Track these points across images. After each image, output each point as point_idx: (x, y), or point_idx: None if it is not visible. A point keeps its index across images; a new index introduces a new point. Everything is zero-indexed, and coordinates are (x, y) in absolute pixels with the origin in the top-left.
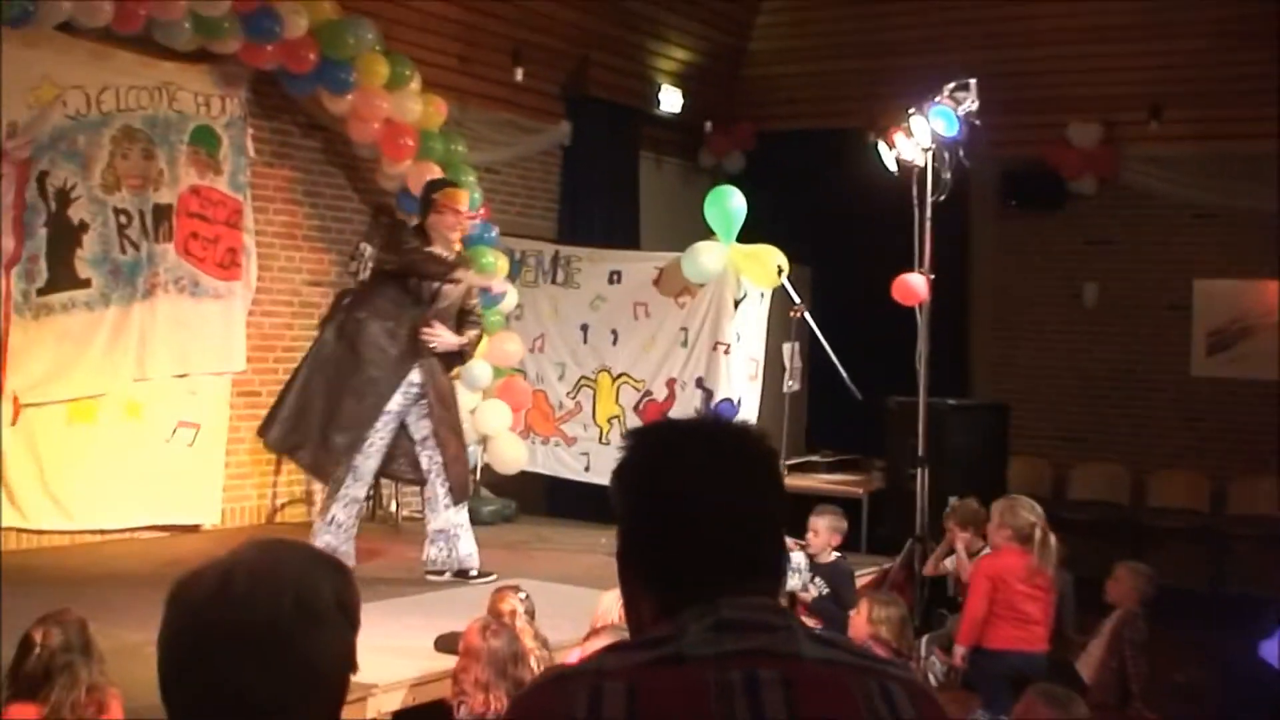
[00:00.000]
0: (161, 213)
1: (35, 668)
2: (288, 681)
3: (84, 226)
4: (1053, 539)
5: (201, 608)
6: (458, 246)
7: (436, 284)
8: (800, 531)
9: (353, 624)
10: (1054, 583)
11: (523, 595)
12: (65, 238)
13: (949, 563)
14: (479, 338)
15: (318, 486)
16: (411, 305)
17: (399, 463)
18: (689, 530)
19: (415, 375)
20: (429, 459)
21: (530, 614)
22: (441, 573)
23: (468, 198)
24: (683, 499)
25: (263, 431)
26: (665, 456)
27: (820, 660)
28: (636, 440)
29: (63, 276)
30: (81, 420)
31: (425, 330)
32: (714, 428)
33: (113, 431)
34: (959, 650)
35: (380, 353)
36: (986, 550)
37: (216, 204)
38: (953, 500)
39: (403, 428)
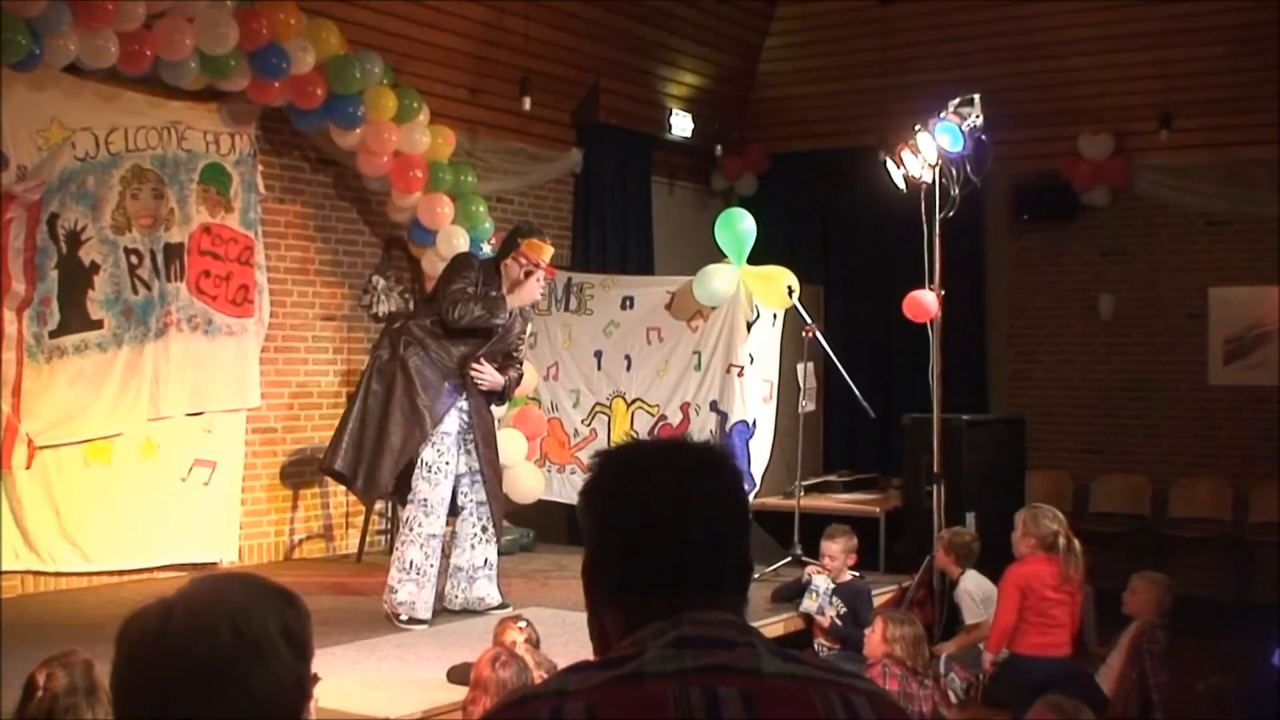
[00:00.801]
0: (173, 251)
1: (38, 711)
2: (231, 714)
3: (95, 267)
4: (1077, 544)
5: (143, 644)
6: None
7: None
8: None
9: (300, 654)
10: (1080, 586)
11: (522, 624)
12: (77, 279)
13: (956, 595)
14: (520, 379)
15: (336, 522)
16: (461, 337)
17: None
18: (652, 548)
19: (464, 404)
20: (464, 495)
21: (534, 643)
22: (450, 610)
23: (550, 253)
24: (646, 518)
25: (324, 462)
26: (630, 476)
27: (781, 675)
28: (603, 461)
29: (75, 318)
30: (97, 461)
31: (474, 367)
32: (679, 449)
33: (129, 472)
34: (988, 657)
35: (428, 383)
36: (968, 573)
37: (228, 241)
38: (944, 531)
39: None
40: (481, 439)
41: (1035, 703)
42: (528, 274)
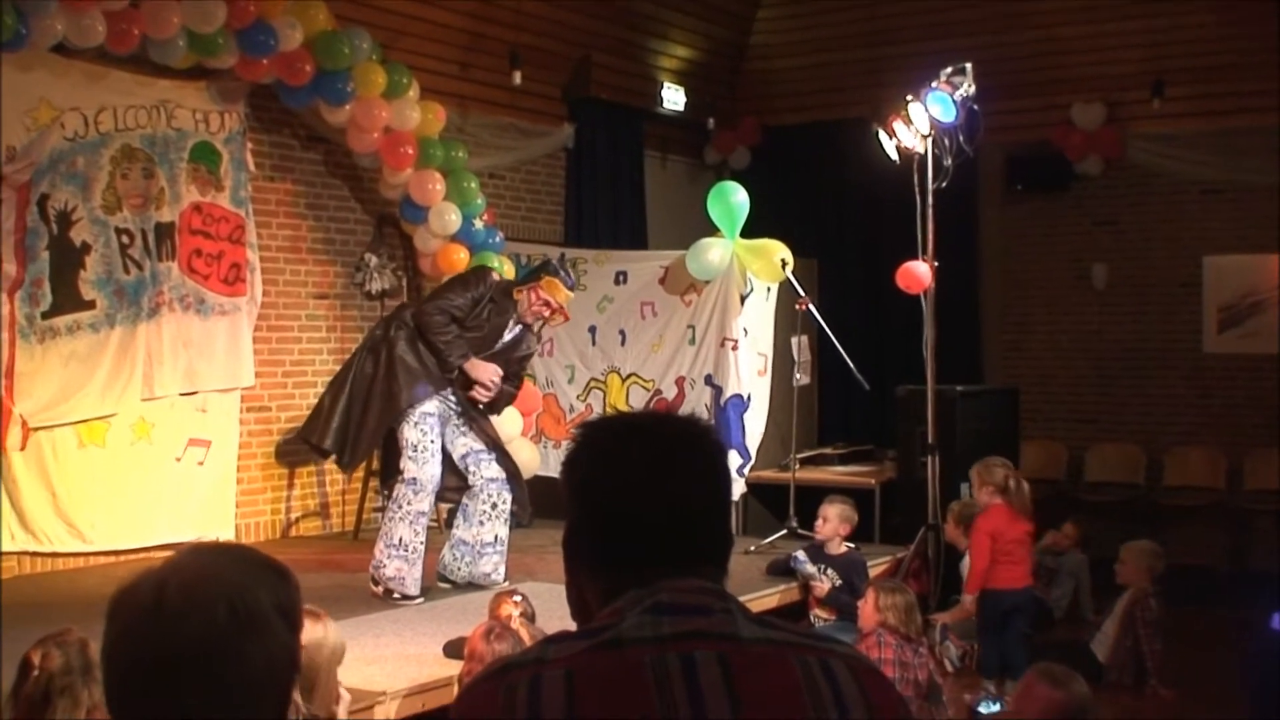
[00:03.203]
0: (164, 231)
1: (34, 690)
2: (227, 692)
3: (86, 248)
4: (1025, 484)
5: (137, 621)
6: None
7: (493, 342)
8: (812, 522)
9: (293, 628)
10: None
11: (517, 598)
12: (68, 260)
13: (962, 567)
14: (514, 396)
15: (332, 500)
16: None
17: (445, 490)
18: (630, 520)
19: (450, 394)
20: (473, 474)
21: (529, 617)
22: (452, 582)
23: (568, 299)
24: (625, 490)
25: (311, 435)
26: (611, 448)
27: (759, 640)
28: (586, 432)
29: (67, 299)
30: (91, 442)
31: (474, 393)
32: (661, 422)
33: (123, 452)
34: (968, 598)
35: (409, 369)
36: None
37: (219, 220)
38: (954, 504)
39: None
40: (478, 419)
41: (1027, 671)
42: (535, 314)
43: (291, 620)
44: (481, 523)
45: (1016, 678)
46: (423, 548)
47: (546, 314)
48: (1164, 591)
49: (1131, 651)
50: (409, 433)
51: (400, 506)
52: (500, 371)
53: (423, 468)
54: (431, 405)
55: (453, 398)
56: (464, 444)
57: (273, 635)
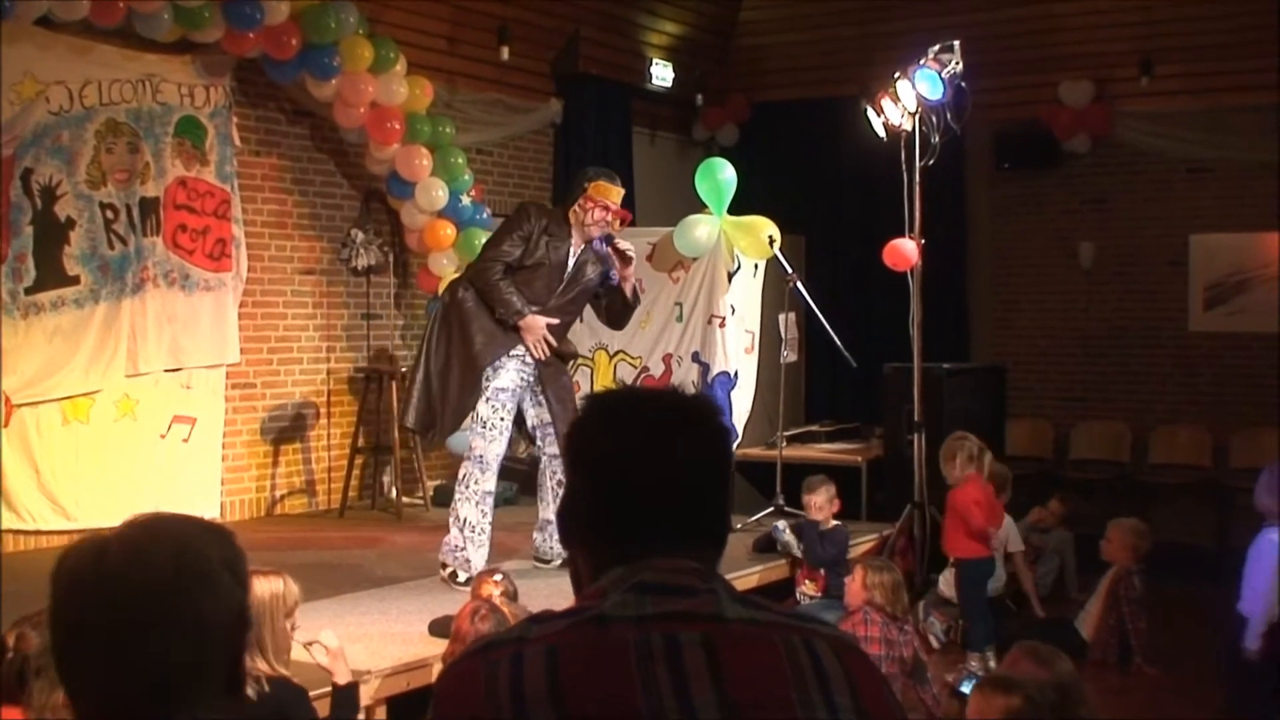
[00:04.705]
0: (149, 206)
1: (9, 672)
2: (181, 646)
3: (71, 223)
4: (989, 455)
5: (79, 579)
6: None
7: (561, 273)
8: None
9: (240, 583)
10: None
11: (498, 578)
12: (52, 235)
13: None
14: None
15: (319, 478)
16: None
17: (511, 445)
18: (627, 494)
19: (528, 361)
20: (540, 448)
21: (511, 596)
22: (548, 561)
23: (620, 195)
24: (625, 463)
25: (400, 416)
26: (615, 421)
27: (743, 620)
28: (592, 403)
29: (51, 274)
30: (76, 418)
31: (533, 342)
32: (667, 398)
33: (108, 429)
34: (950, 572)
35: (482, 327)
36: None
37: (204, 195)
38: None
39: (520, 416)
40: (554, 394)
41: (1011, 648)
42: (600, 225)
43: (239, 575)
44: (558, 497)
45: (992, 642)
46: (490, 528)
47: (609, 219)
48: (1149, 570)
49: (1116, 629)
50: (481, 408)
51: (467, 486)
52: (545, 328)
53: (490, 445)
54: (507, 379)
55: (530, 364)
56: (536, 414)
57: (224, 588)
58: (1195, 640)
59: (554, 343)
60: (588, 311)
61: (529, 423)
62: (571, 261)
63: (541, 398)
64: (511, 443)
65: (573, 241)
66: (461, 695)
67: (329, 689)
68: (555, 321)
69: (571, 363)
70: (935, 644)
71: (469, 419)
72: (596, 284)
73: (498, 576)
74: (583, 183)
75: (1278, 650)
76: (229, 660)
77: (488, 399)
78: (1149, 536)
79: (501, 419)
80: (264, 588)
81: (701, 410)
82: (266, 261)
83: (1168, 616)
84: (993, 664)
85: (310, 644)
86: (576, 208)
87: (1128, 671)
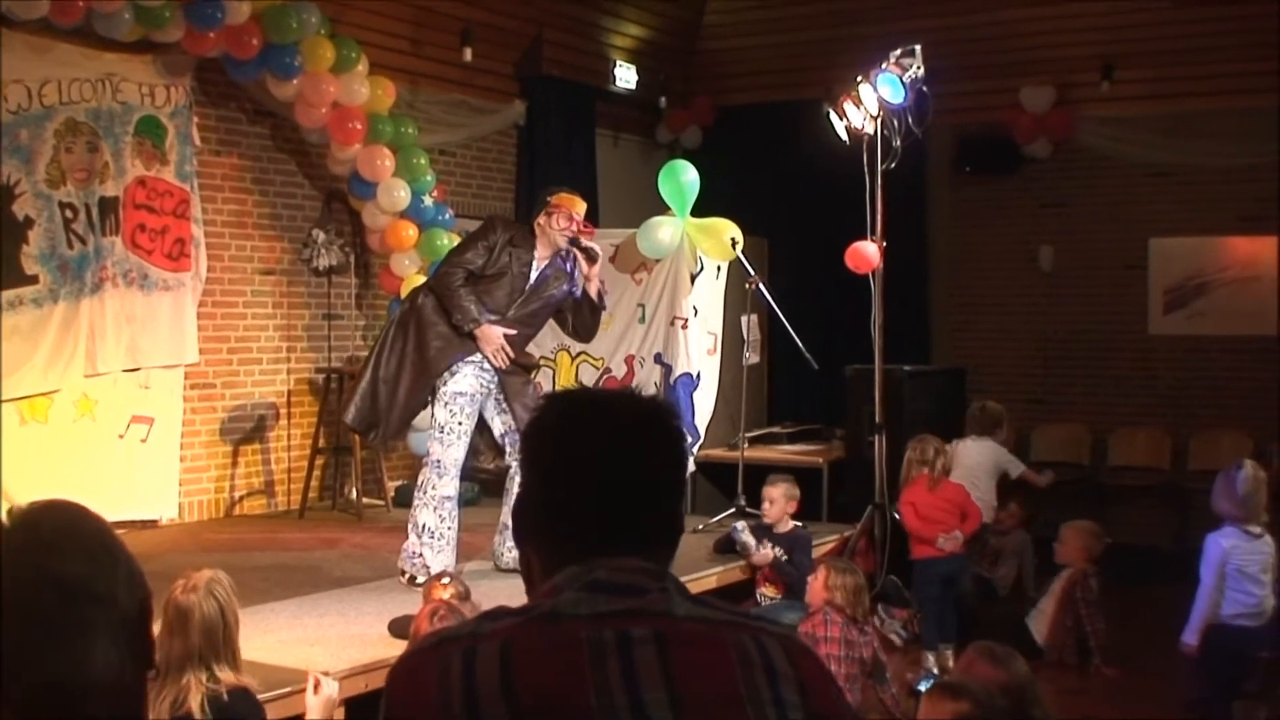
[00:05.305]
0: (108, 205)
1: None
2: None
3: (30, 222)
4: (943, 458)
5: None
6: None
7: (523, 284)
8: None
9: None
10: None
11: (446, 580)
12: (11, 234)
13: None
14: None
15: (278, 479)
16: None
17: (480, 457)
18: (580, 495)
19: (487, 368)
20: (510, 453)
21: (463, 597)
22: (506, 570)
23: (583, 206)
24: (579, 464)
25: (341, 412)
26: (571, 422)
27: (694, 618)
28: (549, 403)
29: (9, 273)
30: (34, 418)
31: (490, 351)
32: (623, 400)
33: (66, 429)
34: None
35: (438, 332)
36: None
37: (164, 194)
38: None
39: (483, 422)
40: (520, 405)
41: (966, 649)
42: (565, 233)
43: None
44: None
45: (948, 640)
46: (450, 533)
47: (575, 228)
48: (1103, 571)
49: (1073, 631)
50: (438, 413)
51: (425, 492)
52: (502, 337)
53: (447, 450)
54: (465, 384)
55: (489, 370)
56: (503, 422)
57: (139, 583)
58: (1153, 641)
59: (512, 354)
60: None
61: (496, 431)
62: (535, 274)
63: (507, 408)
64: (480, 454)
65: (537, 254)
66: (413, 689)
67: (287, 689)
68: (513, 332)
69: (535, 372)
70: (898, 641)
71: (429, 423)
72: (560, 298)
73: (445, 579)
74: (546, 197)
75: (1220, 649)
76: (145, 646)
77: (445, 404)
78: (1103, 538)
79: (460, 423)
80: (220, 594)
81: (655, 412)
82: (226, 261)
83: (1127, 617)
84: (952, 663)
85: (318, 682)
86: (542, 218)
87: (1088, 673)
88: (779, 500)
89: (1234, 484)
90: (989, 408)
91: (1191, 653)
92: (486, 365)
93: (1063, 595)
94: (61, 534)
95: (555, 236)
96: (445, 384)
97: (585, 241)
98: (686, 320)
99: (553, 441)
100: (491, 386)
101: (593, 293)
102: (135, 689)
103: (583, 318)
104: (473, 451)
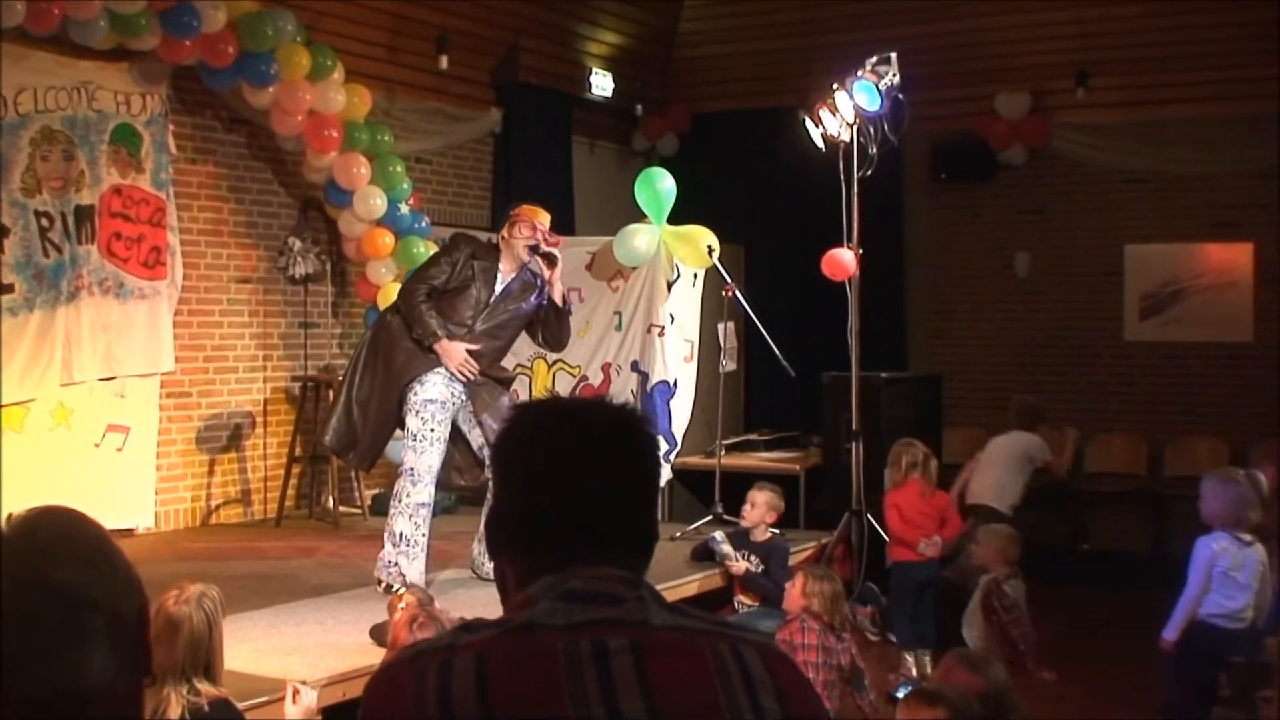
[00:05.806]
0: (84, 214)
1: None
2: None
3: (5, 231)
4: (934, 462)
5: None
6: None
7: (487, 296)
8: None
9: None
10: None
11: (399, 590)
12: None
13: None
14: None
15: (254, 487)
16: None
17: (453, 473)
18: (553, 505)
19: (455, 381)
20: (488, 465)
21: (425, 604)
22: (484, 578)
23: (547, 218)
24: (551, 474)
25: (320, 434)
26: (542, 432)
27: (670, 627)
28: (519, 413)
29: None
30: (9, 428)
31: (454, 367)
32: (594, 409)
33: (42, 438)
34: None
35: (403, 347)
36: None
37: (139, 203)
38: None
39: (461, 438)
40: (491, 416)
41: (944, 657)
42: (529, 240)
43: (138, 585)
44: None
45: (927, 647)
46: (424, 540)
47: (539, 236)
48: (1021, 574)
49: (1001, 637)
50: (410, 422)
51: (400, 500)
52: (466, 352)
53: (420, 458)
54: (435, 391)
55: (458, 384)
56: (478, 435)
57: (137, 590)
58: (1130, 646)
59: (476, 368)
60: None
61: (474, 444)
62: (500, 286)
63: (477, 421)
64: (461, 472)
65: (502, 268)
66: (390, 702)
67: (265, 699)
68: (476, 346)
69: (511, 385)
70: (872, 637)
71: (402, 436)
72: (529, 311)
73: (399, 589)
74: (509, 211)
75: (1196, 648)
76: (142, 655)
77: (416, 412)
78: (1019, 542)
79: (432, 430)
80: (209, 608)
81: (629, 420)
82: (202, 270)
83: (1103, 623)
84: (930, 670)
85: (296, 691)
86: (505, 231)
87: (1022, 675)
88: (760, 506)
89: (1229, 490)
90: (1025, 401)
91: (1169, 648)
92: (451, 377)
93: (982, 602)
94: (59, 540)
95: (518, 247)
96: (415, 393)
97: (544, 247)
98: (663, 328)
99: (524, 452)
100: (460, 397)
101: (556, 298)
102: (133, 696)
103: (551, 327)
104: (453, 469)
